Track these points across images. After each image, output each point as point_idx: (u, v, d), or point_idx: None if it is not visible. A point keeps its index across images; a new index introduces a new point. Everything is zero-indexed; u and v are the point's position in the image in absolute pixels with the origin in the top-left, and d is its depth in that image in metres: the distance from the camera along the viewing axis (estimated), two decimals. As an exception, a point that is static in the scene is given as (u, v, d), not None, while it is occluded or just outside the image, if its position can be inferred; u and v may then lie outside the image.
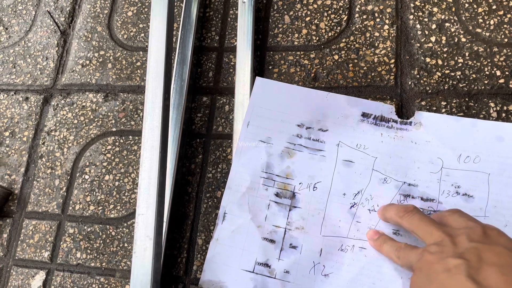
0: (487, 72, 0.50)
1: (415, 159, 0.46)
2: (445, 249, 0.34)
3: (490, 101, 0.49)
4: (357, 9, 0.56)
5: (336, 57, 0.55)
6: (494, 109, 0.48)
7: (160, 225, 0.45)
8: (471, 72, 0.50)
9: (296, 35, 0.57)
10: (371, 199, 0.45)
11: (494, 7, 0.52)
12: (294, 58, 0.56)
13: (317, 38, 0.56)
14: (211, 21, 0.61)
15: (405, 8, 0.55)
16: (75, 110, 0.60)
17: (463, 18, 0.53)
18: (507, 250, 0.33)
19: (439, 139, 0.46)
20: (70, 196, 0.56)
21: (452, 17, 0.53)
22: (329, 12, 0.57)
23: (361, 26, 0.55)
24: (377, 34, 0.55)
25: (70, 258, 0.53)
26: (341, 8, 0.57)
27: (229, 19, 0.61)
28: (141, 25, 0.63)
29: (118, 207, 0.54)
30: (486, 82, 0.50)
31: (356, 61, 0.54)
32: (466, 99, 0.50)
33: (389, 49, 0.54)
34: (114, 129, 0.58)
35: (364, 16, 0.56)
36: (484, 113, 0.49)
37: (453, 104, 0.50)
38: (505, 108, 0.48)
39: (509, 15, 0.52)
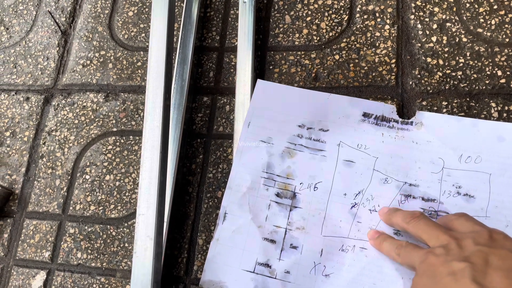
0: (488, 72, 0.50)
1: (416, 159, 0.46)
2: (451, 252, 0.34)
3: (491, 101, 0.49)
4: (358, 9, 0.56)
5: (337, 57, 0.55)
6: (495, 109, 0.48)
7: (161, 225, 0.45)
8: (472, 72, 0.50)
9: (297, 35, 0.57)
10: (372, 199, 0.45)
11: (495, 7, 0.52)
12: (295, 58, 0.56)
13: (318, 38, 0.56)
14: (212, 21, 0.61)
15: (406, 8, 0.55)
16: (76, 110, 0.60)
17: (464, 18, 0.53)
18: None
19: (440, 139, 0.46)
20: (71, 196, 0.56)
21: (453, 17, 0.53)
22: (330, 12, 0.57)
23: (362, 26, 0.55)
24: (378, 34, 0.55)
25: (71, 258, 0.53)
26: (342, 8, 0.57)
27: (229, 19, 0.61)
28: (141, 25, 0.63)
29: (119, 207, 0.54)
30: (487, 82, 0.50)
31: (357, 61, 0.54)
32: (467, 99, 0.49)
33: (390, 49, 0.53)
34: (114, 129, 0.58)
35: (365, 16, 0.56)
36: (485, 113, 0.48)
37: (454, 104, 0.49)
38: (506, 108, 0.48)
39: (510, 15, 0.52)
